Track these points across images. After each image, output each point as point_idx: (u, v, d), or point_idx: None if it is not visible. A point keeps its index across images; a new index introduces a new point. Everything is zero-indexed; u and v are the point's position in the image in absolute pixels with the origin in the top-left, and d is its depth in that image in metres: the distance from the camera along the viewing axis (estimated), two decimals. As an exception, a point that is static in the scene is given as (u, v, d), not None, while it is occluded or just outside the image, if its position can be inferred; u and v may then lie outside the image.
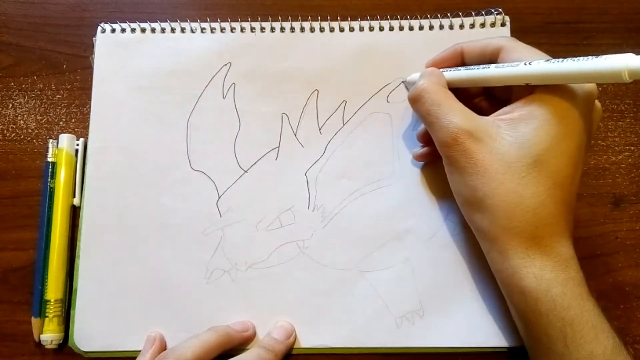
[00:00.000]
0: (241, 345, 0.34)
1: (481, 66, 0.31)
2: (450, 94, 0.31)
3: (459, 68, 0.33)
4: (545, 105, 0.28)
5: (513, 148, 0.27)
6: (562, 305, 0.27)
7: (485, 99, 0.35)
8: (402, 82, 0.37)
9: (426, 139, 0.35)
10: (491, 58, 0.31)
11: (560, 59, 0.26)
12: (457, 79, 0.32)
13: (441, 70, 0.34)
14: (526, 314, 0.28)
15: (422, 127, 0.35)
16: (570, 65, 0.26)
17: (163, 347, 0.34)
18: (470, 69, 0.32)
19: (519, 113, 0.28)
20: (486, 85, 0.33)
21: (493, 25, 0.38)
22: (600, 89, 0.39)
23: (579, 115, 0.28)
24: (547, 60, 0.27)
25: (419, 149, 0.36)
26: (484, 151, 0.28)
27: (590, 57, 0.25)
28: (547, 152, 0.27)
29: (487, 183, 0.28)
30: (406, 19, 0.38)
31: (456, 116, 0.29)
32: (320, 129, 0.37)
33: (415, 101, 0.32)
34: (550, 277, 0.27)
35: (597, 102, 0.30)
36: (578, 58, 0.26)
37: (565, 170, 0.28)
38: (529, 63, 0.28)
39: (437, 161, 0.34)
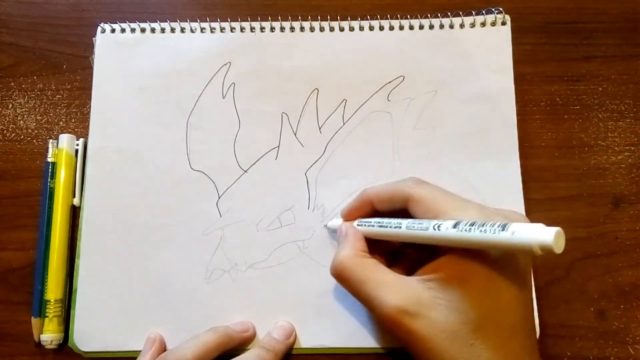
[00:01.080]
0: (241, 345, 0.34)
1: (393, 224, 0.29)
2: (372, 262, 0.29)
3: (372, 223, 0.31)
4: (472, 260, 0.26)
5: (452, 315, 0.25)
6: None
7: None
8: (325, 226, 0.36)
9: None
10: (402, 205, 0.30)
11: (468, 226, 0.24)
12: (372, 234, 0.31)
13: (356, 223, 0.32)
14: None
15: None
16: (477, 236, 0.24)
17: (163, 348, 0.33)
18: (383, 226, 0.30)
19: (445, 273, 0.26)
20: (403, 241, 0.31)
21: (493, 24, 0.38)
22: (600, 89, 0.39)
23: (508, 262, 0.26)
24: (455, 227, 0.25)
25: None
26: (425, 326, 0.26)
27: (496, 229, 0.23)
28: (487, 311, 0.25)
29: (438, 359, 0.26)
30: (406, 18, 0.38)
31: (386, 294, 0.27)
32: (320, 129, 0.37)
33: (338, 279, 0.30)
34: None
35: None
36: (485, 227, 0.24)
37: (513, 320, 0.26)
38: (438, 227, 0.26)
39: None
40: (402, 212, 0.30)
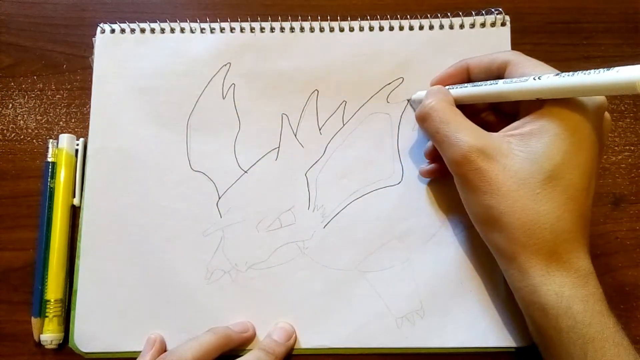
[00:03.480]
0: (241, 346, 0.34)
1: (489, 82, 0.30)
2: (459, 112, 0.31)
3: (465, 85, 0.32)
4: (556, 119, 0.27)
5: (526, 164, 0.27)
6: (584, 322, 0.26)
7: (492, 113, 0.34)
8: (408, 100, 0.37)
9: (433, 156, 0.35)
10: (498, 73, 0.31)
11: (570, 73, 0.26)
12: (465, 95, 0.32)
13: (447, 87, 0.33)
14: (547, 330, 0.28)
15: (429, 144, 0.35)
16: (581, 78, 0.25)
17: (163, 349, 0.34)
18: (477, 85, 0.31)
19: (529, 128, 0.28)
20: (494, 101, 0.32)
21: (493, 24, 0.38)
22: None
23: (590, 128, 0.28)
24: (557, 75, 0.27)
25: (427, 166, 0.35)
26: (497, 169, 0.28)
27: (601, 70, 0.25)
28: (560, 166, 0.27)
29: (501, 201, 0.27)
30: (406, 18, 0.38)
31: (466, 134, 0.29)
32: (320, 129, 0.37)
33: (423, 120, 0.32)
34: (571, 293, 0.27)
35: (606, 113, 0.29)
36: (589, 71, 0.25)
37: (580, 183, 0.27)
38: (539, 78, 0.27)
39: (445, 178, 0.34)
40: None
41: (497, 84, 0.30)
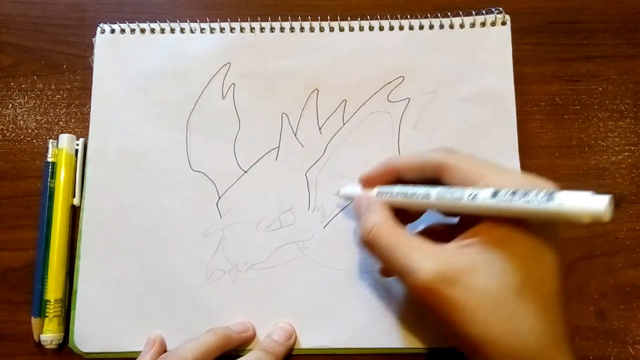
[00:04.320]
0: (241, 346, 0.34)
1: (420, 193, 0.27)
2: (404, 230, 0.28)
3: (394, 192, 0.29)
4: (514, 226, 0.25)
5: (493, 280, 0.24)
6: None
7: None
8: (337, 194, 0.34)
9: (390, 272, 0.33)
10: (432, 175, 0.28)
11: (510, 195, 0.23)
12: (395, 205, 0.29)
13: (376, 191, 0.31)
14: None
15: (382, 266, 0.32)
16: (521, 206, 0.22)
17: (163, 349, 0.34)
18: (408, 196, 0.28)
19: (486, 236, 0.25)
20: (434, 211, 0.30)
21: (493, 24, 0.38)
22: (600, 89, 0.39)
23: (548, 228, 0.25)
24: (494, 197, 0.23)
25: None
26: (464, 293, 0.24)
27: (542, 197, 0.22)
28: (529, 276, 0.24)
29: (479, 328, 0.24)
30: (406, 18, 0.38)
31: (422, 259, 0.25)
32: (320, 129, 0.37)
33: (370, 245, 0.28)
34: None
35: None
36: (529, 196, 0.22)
37: (552, 288, 0.25)
38: (474, 197, 0.24)
39: None
40: (428, 180, 0.28)
41: (429, 197, 0.27)
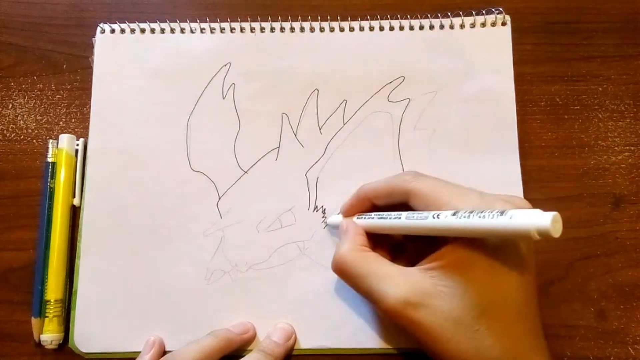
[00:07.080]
0: (241, 347, 0.34)
1: (392, 215, 0.29)
2: (372, 255, 0.29)
3: (372, 215, 0.31)
4: (473, 248, 0.26)
5: (455, 302, 0.25)
6: None
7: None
8: (325, 225, 0.36)
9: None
10: (401, 200, 0.30)
11: (467, 213, 0.24)
12: (372, 227, 0.31)
13: (355, 217, 0.32)
14: None
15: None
16: (476, 223, 0.24)
17: (162, 351, 0.33)
18: (383, 218, 0.30)
19: (447, 261, 0.27)
20: (404, 233, 0.32)
21: (494, 24, 0.38)
22: (600, 89, 0.39)
23: (512, 246, 0.26)
24: (454, 215, 0.25)
25: None
26: (429, 315, 0.26)
27: (495, 214, 0.23)
28: (490, 297, 0.26)
29: (445, 348, 0.26)
30: (406, 18, 0.38)
31: (388, 286, 0.27)
32: (320, 129, 0.37)
33: (339, 273, 0.30)
34: None
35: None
36: (484, 213, 0.24)
37: (516, 305, 0.26)
38: (437, 216, 0.26)
39: None
40: (402, 206, 0.30)
41: (400, 218, 0.29)
